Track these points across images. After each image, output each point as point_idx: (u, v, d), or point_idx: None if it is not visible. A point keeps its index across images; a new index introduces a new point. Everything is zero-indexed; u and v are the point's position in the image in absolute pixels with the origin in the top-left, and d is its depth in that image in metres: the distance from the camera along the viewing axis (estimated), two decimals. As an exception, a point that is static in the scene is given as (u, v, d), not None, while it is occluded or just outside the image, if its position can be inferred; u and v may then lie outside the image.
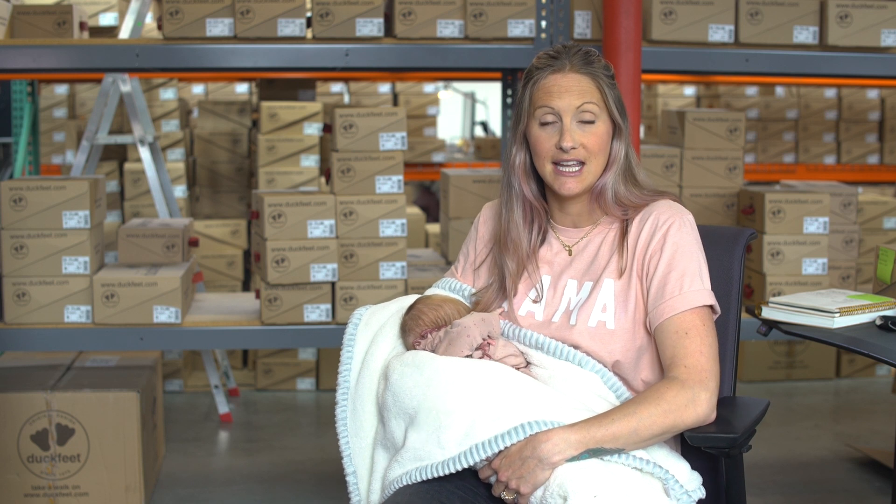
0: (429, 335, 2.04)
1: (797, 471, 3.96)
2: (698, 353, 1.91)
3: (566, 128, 1.98)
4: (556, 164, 2.01)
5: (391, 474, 1.92)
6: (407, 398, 1.93)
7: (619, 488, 1.79)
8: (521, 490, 1.83)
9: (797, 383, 5.18)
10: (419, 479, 1.87)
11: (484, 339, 2.00)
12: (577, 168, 2.00)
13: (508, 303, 2.07)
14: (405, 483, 1.88)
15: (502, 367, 1.96)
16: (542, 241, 2.10)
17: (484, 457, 1.85)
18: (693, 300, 1.94)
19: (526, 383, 1.93)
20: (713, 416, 1.89)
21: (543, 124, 2.01)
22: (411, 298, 2.16)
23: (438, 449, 1.87)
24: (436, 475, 1.86)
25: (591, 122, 2.00)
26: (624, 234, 2.04)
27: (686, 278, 1.95)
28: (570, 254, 2.08)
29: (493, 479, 1.89)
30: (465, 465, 1.85)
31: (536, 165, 2.05)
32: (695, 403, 1.86)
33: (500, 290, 2.09)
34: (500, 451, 1.85)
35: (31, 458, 3.41)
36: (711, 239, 2.12)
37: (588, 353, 1.98)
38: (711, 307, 1.97)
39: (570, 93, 1.99)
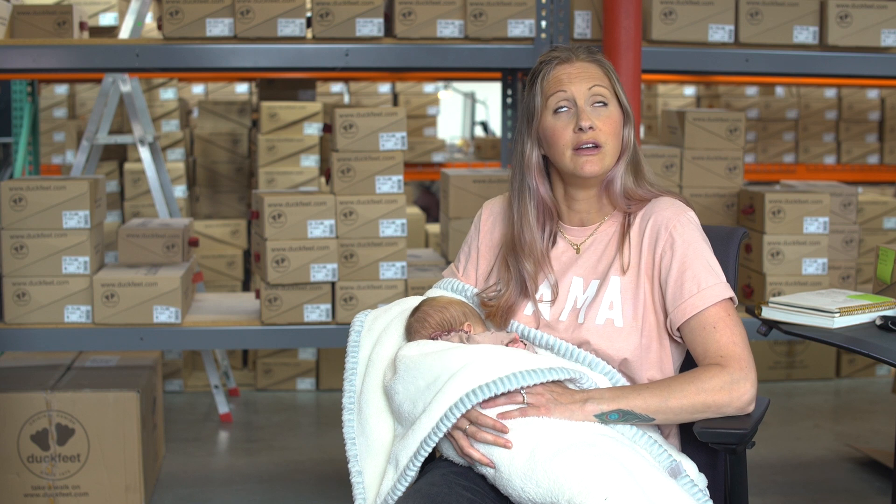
0: (439, 338, 2.04)
1: (797, 471, 3.96)
2: (731, 343, 1.93)
3: (581, 109, 2.00)
4: (576, 148, 2.01)
5: (421, 432, 1.89)
6: (427, 358, 1.93)
7: (631, 487, 1.78)
8: (550, 412, 1.85)
9: (797, 383, 5.18)
10: (457, 415, 1.84)
11: None
12: (595, 148, 2.01)
13: (532, 303, 2.07)
14: (444, 428, 1.86)
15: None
16: (553, 242, 2.11)
17: (532, 383, 1.86)
18: (713, 295, 1.96)
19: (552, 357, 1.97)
20: (752, 406, 1.91)
21: (557, 113, 2.02)
22: (413, 300, 2.16)
23: (470, 377, 1.86)
24: (472, 403, 1.84)
25: (604, 106, 2.02)
26: (626, 230, 2.04)
27: (702, 275, 1.97)
28: (577, 252, 2.09)
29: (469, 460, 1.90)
30: (513, 388, 1.85)
31: (553, 157, 2.05)
32: (732, 389, 1.89)
33: (520, 291, 2.08)
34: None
35: (31, 458, 3.41)
36: (705, 239, 2.13)
37: (596, 352, 1.99)
38: (731, 299, 1.99)
39: (580, 77, 2.02)
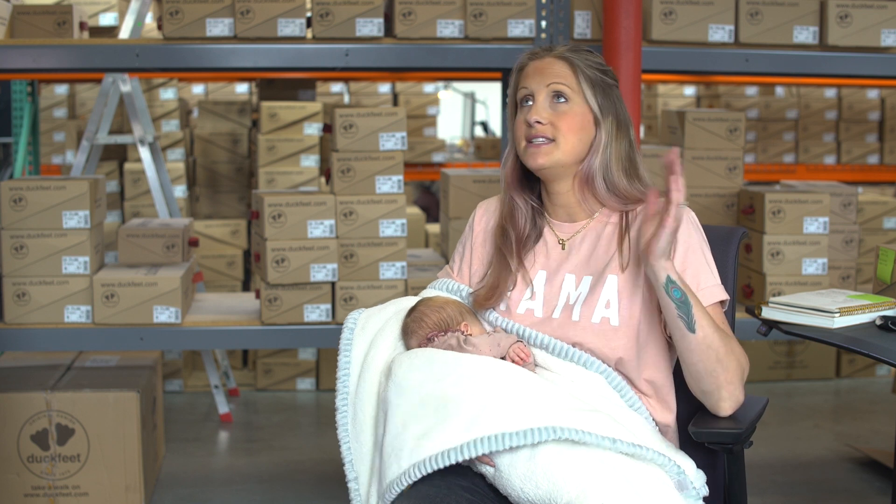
0: (435, 338, 2.03)
1: (797, 471, 3.96)
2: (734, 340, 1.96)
3: (536, 104, 2.03)
4: (528, 140, 2.03)
5: (389, 475, 1.88)
6: (414, 391, 1.90)
7: (630, 495, 1.78)
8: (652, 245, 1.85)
9: (797, 383, 5.18)
10: (417, 476, 1.84)
11: None
12: (545, 143, 2.02)
13: (511, 293, 2.07)
14: (405, 483, 1.85)
15: (514, 366, 1.95)
16: (538, 237, 2.11)
17: (486, 452, 1.81)
18: (710, 295, 1.97)
19: (538, 384, 1.92)
20: (733, 409, 1.93)
21: (521, 107, 2.06)
22: (408, 300, 2.15)
23: (440, 435, 1.84)
24: (434, 467, 1.83)
25: (564, 101, 2.03)
26: (625, 228, 2.04)
27: (701, 275, 1.98)
28: (563, 248, 2.08)
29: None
30: (466, 457, 1.82)
31: (517, 149, 2.08)
32: (743, 374, 1.92)
33: (505, 283, 2.08)
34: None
35: (31, 458, 3.41)
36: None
37: (591, 351, 1.98)
38: (723, 302, 2.01)
39: (542, 73, 2.04)
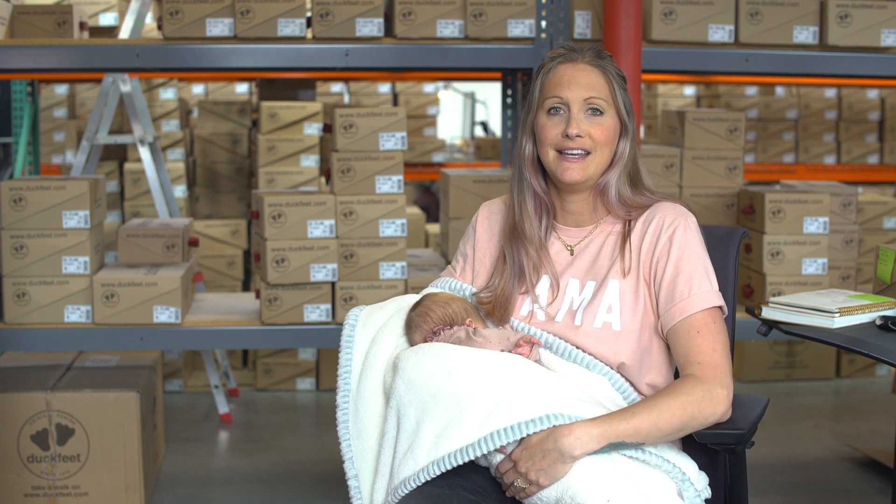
0: (442, 332, 2.02)
1: (797, 471, 3.96)
2: (711, 350, 1.92)
3: (573, 116, 2.00)
4: (560, 151, 2.01)
5: (404, 471, 1.88)
6: (425, 386, 1.90)
7: (633, 492, 1.78)
8: (541, 482, 1.82)
9: (797, 383, 5.18)
10: (436, 473, 1.84)
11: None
12: (581, 156, 2.00)
13: (531, 296, 2.06)
14: (423, 479, 1.85)
15: (523, 360, 1.95)
16: (548, 239, 2.10)
17: (505, 443, 1.82)
18: (703, 302, 1.95)
19: (549, 376, 1.93)
20: (730, 412, 1.90)
21: (551, 113, 2.02)
22: (410, 298, 2.15)
23: (458, 432, 1.84)
24: (455, 464, 1.83)
25: (600, 114, 2.01)
26: (627, 234, 2.04)
27: (695, 280, 1.96)
28: (571, 253, 2.08)
29: (504, 473, 1.88)
30: (485, 451, 1.83)
31: (540, 154, 2.05)
32: (712, 399, 1.87)
33: (517, 282, 2.07)
34: (521, 441, 1.83)
35: (31, 458, 3.41)
36: (705, 238, 2.13)
37: (594, 355, 1.98)
38: (720, 308, 1.98)
39: (578, 84, 2.01)
